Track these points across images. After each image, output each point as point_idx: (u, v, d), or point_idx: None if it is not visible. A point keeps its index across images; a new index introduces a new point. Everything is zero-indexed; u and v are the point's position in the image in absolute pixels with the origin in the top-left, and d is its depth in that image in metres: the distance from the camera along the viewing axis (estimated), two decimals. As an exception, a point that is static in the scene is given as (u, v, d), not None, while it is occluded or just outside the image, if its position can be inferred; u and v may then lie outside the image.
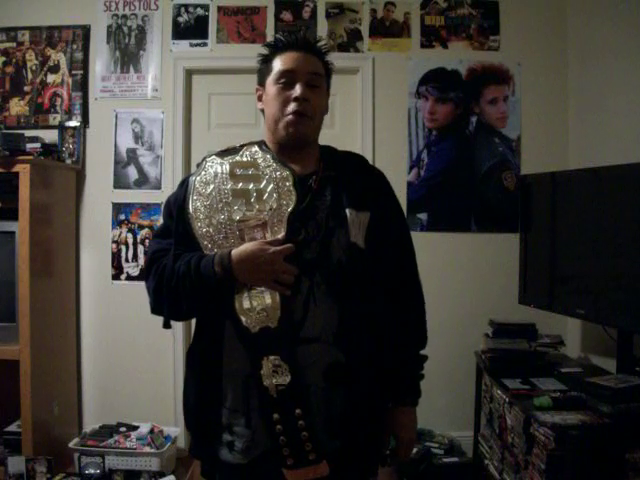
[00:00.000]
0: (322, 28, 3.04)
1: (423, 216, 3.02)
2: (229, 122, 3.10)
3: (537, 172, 2.71)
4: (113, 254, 3.07)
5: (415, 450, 2.49)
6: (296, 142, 1.27)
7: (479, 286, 3.01)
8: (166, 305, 1.21)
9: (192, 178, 1.25)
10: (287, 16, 3.05)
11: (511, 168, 3.03)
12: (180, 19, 3.08)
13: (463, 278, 3.02)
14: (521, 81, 3.03)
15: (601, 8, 2.71)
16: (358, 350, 1.22)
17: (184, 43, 3.07)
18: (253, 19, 3.06)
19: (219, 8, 3.06)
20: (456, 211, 3.04)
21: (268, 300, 1.15)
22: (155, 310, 1.26)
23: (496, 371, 2.33)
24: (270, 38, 3.02)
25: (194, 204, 1.20)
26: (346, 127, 3.07)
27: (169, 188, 3.03)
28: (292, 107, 1.24)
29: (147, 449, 2.63)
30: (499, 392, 2.26)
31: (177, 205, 1.24)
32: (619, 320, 2.08)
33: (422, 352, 1.35)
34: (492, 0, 3.04)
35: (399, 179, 2.95)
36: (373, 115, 3.03)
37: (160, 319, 1.27)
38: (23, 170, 2.52)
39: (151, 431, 2.74)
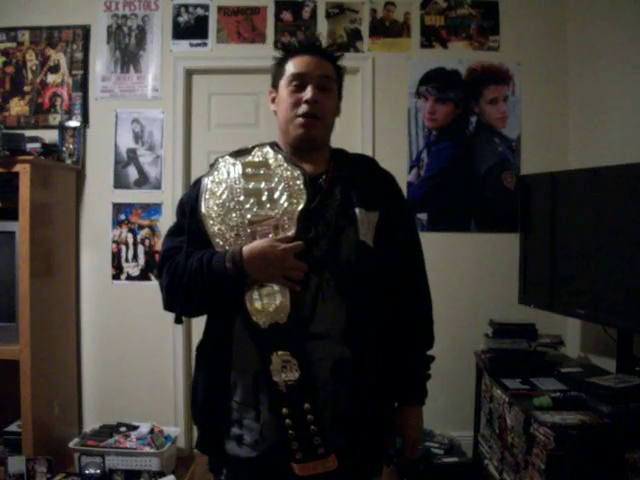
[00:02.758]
0: (322, 28, 3.03)
1: (423, 216, 3.02)
2: (229, 122, 3.11)
3: (537, 172, 2.71)
4: (113, 254, 3.07)
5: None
6: (307, 143, 1.30)
7: (479, 286, 3.01)
8: (178, 301, 1.23)
9: (205, 178, 1.26)
10: (287, 16, 3.05)
11: (511, 168, 3.03)
12: (180, 19, 3.08)
13: (463, 278, 3.02)
14: (521, 81, 3.03)
15: (600, 8, 2.71)
16: (365, 347, 1.23)
17: (184, 43, 3.07)
18: (253, 19, 3.06)
19: (219, 8, 3.06)
20: (456, 211, 3.04)
21: (278, 296, 1.16)
22: (168, 307, 1.28)
23: (496, 371, 2.33)
24: (270, 38, 3.03)
25: (207, 203, 1.22)
26: (346, 127, 3.05)
27: (169, 188, 3.04)
28: (303, 109, 1.27)
29: (147, 449, 2.63)
30: (499, 392, 2.26)
31: (190, 204, 1.27)
32: (619, 320, 2.08)
33: (428, 352, 1.36)
34: (492, 0, 3.05)
35: (399, 179, 2.83)
36: (373, 115, 3.03)
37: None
38: (23, 170, 2.52)
39: (151, 431, 2.74)
